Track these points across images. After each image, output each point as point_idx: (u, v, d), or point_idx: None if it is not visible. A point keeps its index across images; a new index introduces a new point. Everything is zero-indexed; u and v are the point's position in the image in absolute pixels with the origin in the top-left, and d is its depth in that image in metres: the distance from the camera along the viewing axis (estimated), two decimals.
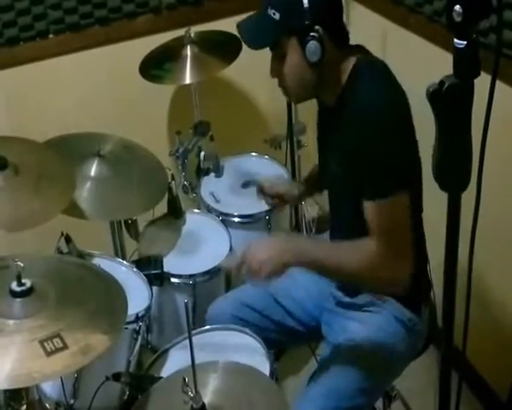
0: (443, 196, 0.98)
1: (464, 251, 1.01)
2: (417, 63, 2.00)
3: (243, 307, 1.67)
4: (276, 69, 1.39)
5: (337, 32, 1.36)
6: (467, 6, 0.76)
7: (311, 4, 1.29)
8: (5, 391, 1.31)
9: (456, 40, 0.80)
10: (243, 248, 1.42)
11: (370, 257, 1.34)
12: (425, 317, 1.56)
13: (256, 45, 1.36)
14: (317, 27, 1.30)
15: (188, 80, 2.09)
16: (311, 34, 1.30)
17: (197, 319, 1.86)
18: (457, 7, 0.77)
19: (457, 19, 0.78)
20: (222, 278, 1.98)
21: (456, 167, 0.93)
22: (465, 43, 0.80)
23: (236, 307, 1.68)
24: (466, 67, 0.82)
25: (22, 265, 1.22)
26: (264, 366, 1.52)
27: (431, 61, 1.82)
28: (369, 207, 1.33)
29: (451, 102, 0.85)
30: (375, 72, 1.38)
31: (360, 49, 1.43)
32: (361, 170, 1.33)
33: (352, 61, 1.38)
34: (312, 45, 1.31)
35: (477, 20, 0.78)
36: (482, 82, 0.90)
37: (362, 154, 1.32)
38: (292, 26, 1.32)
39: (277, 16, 1.31)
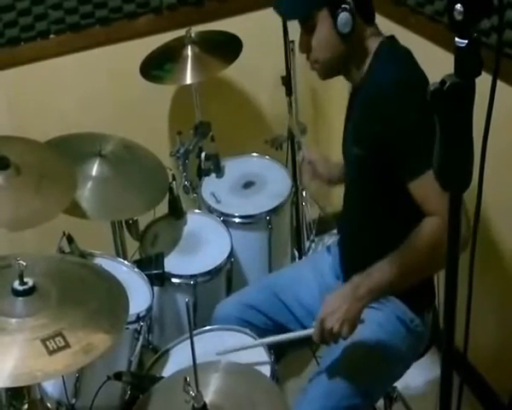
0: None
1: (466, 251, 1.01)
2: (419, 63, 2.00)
3: (248, 309, 1.67)
4: (306, 43, 1.41)
5: (365, 7, 1.38)
6: (468, 5, 0.77)
7: None
8: (7, 390, 1.32)
9: (457, 39, 0.80)
10: (316, 320, 1.38)
11: (438, 232, 1.26)
12: (428, 321, 1.56)
13: (290, 16, 1.39)
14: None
15: (188, 80, 2.09)
16: (343, 6, 1.32)
17: (198, 319, 1.86)
18: (458, 5, 0.77)
19: (458, 17, 0.78)
20: (223, 278, 1.99)
21: (457, 167, 0.93)
22: (466, 42, 0.80)
23: (241, 309, 1.68)
24: (467, 66, 0.82)
25: (24, 264, 1.22)
26: (265, 367, 1.53)
27: (432, 62, 1.81)
28: (418, 184, 1.29)
29: (453, 101, 0.84)
30: (398, 54, 1.40)
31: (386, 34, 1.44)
32: (392, 151, 1.31)
33: (376, 42, 1.40)
34: (344, 16, 1.33)
35: (478, 18, 0.78)
36: (483, 82, 0.90)
37: (390, 135, 1.31)
38: None
39: None
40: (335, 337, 1.35)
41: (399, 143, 1.31)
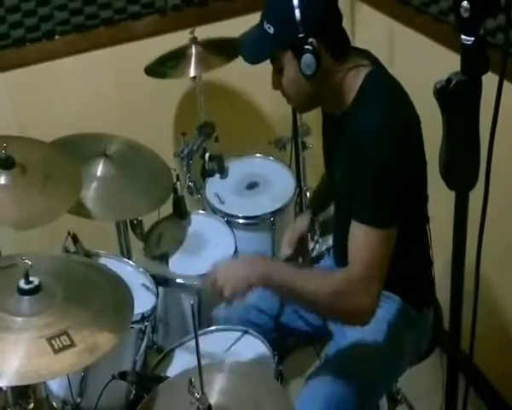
0: (450, 195, 0.98)
1: (471, 253, 1.00)
2: (424, 63, 2.00)
3: (251, 309, 1.67)
4: (277, 82, 1.39)
5: (334, 44, 1.34)
6: (474, 2, 0.77)
7: (303, 17, 1.27)
8: (13, 389, 1.32)
9: (463, 36, 0.80)
10: (213, 267, 1.43)
11: (346, 285, 1.31)
12: (429, 317, 1.56)
13: (252, 60, 1.36)
14: (310, 40, 1.28)
15: (192, 74, 2.09)
16: (306, 47, 1.29)
17: (202, 319, 1.86)
18: (465, 3, 0.77)
19: (465, 15, 0.78)
20: None
21: (463, 166, 0.93)
22: (473, 39, 0.80)
23: (244, 309, 1.68)
24: (473, 64, 0.82)
25: (30, 263, 1.22)
26: (270, 367, 1.52)
27: (437, 62, 1.82)
28: (356, 229, 1.32)
29: (459, 99, 0.84)
30: (384, 94, 1.36)
31: (368, 56, 1.41)
32: (352, 188, 1.34)
33: (359, 76, 1.36)
34: (307, 58, 1.29)
35: (484, 16, 0.78)
36: (490, 82, 0.90)
37: (355, 176, 1.32)
38: (286, 39, 1.31)
39: (272, 30, 1.31)
40: (217, 291, 1.38)
41: (358, 186, 1.32)
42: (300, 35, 1.29)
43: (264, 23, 1.32)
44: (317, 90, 1.36)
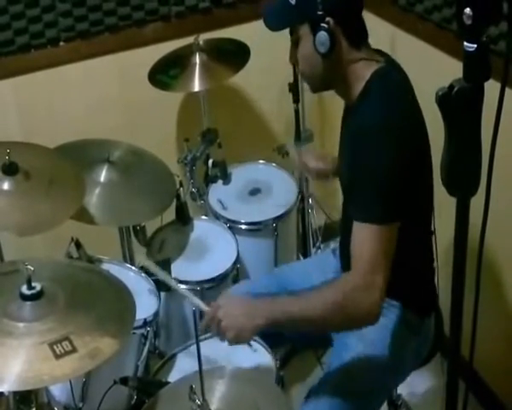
0: (451, 201, 0.98)
1: (472, 257, 1.00)
2: (426, 71, 1.99)
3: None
4: (294, 54, 1.42)
5: (351, 29, 1.36)
6: (477, 9, 0.77)
7: None
8: (15, 394, 1.32)
9: (466, 43, 0.80)
10: (215, 303, 1.41)
11: (349, 293, 1.30)
12: (431, 325, 1.56)
13: (272, 28, 1.39)
14: (328, 19, 1.31)
15: (196, 88, 2.10)
16: (322, 25, 1.32)
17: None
18: (467, 10, 0.77)
19: (467, 22, 0.78)
20: (229, 284, 1.98)
21: (465, 172, 0.93)
22: (475, 46, 0.80)
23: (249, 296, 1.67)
24: (476, 71, 0.82)
25: (32, 268, 1.22)
26: (271, 373, 1.52)
27: (440, 69, 1.82)
28: (355, 227, 1.32)
29: (461, 105, 0.85)
30: (389, 91, 1.36)
31: (383, 55, 1.43)
32: (351, 185, 1.34)
33: (369, 69, 1.37)
34: (322, 35, 1.32)
35: (487, 23, 0.79)
36: (492, 89, 0.90)
37: (354, 172, 1.33)
38: (305, 12, 1.34)
39: (293, 1, 1.34)
40: (218, 332, 1.36)
41: (357, 183, 1.33)
42: (319, 12, 1.31)
43: None
44: (328, 72, 1.38)
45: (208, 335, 1.64)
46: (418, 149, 1.36)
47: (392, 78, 1.40)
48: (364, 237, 1.30)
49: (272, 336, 1.57)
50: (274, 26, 1.39)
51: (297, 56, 1.41)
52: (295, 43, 1.40)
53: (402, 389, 1.70)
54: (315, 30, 1.33)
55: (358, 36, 1.39)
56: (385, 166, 1.29)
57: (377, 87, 1.36)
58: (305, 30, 1.36)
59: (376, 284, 1.28)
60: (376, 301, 1.29)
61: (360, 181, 1.32)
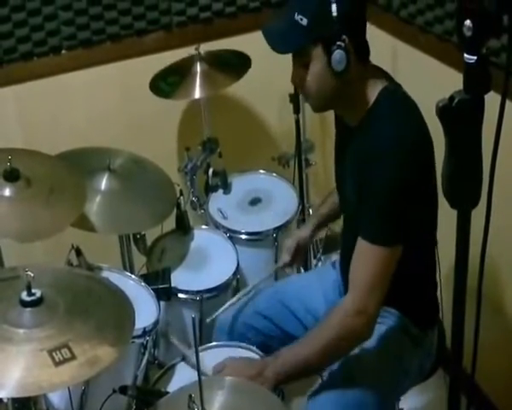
0: (452, 213, 0.98)
1: (474, 269, 1.00)
2: (427, 82, 2.00)
3: (255, 315, 1.67)
4: (298, 76, 1.37)
5: (361, 45, 1.35)
6: (477, 21, 0.77)
7: (339, 12, 1.27)
8: (13, 401, 1.31)
9: (466, 55, 0.81)
10: (219, 364, 1.44)
11: (346, 321, 1.36)
12: (433, 339, 1.55)
13: (283, 50, 1.34)
14: (344, 37, 1.28)
15: (197, 95, 2.10)
16: (338, 43, 1.28)
17: (204, 334, 1.86)
18: (468, 22, 0.78)
19: (468, 34, 0.78)
20: (229, 294, 1.98)
21: (466, 184, 0.93)
22: (475, 58, 0.80)
23: (248, 314, 1.67)
24: (476, 83, 0.82)
25: (32, 275, 1.22)
26: None
27: (441, 81, 1.82)
28: (360, 245, 1.33)
29: (461, 117, 0.85)
30: (399, 110, 1.36)
31: (384, 73, 1.42)
32: (364, 208, 1.34)
33: (375, 88, 1.36)
34: (338, 54, 1.29)
35: (487, 35, 0.79)
36: (492, 101, 0.90)
37: (366, 193, 1.32)
38: (319, 33, 1.30)
39: (305, 22, 1.28)
40: None
41: (366, 202, 1.33)
42: (335, 31, 1.28)
43: (296, 14, 1.29)
44: (337, 91, 1.36)
45: (207, 345, 1.64)
46: (429, 165, 1.35)
47: (399, 96, 1.39)
48: (368, 257, 1.32)
49: (272, 348, 1.57)
50: (282, 48, 1.34)
51: (303, 78, 1.36)
52: (304, 65, 1.35)
53: (404, 404, 1.69)
54: (330, 49, 1.29)
55: (366, 52, 1.37)
56: (401, 188, 1.28)
57: (388, 106, 1.35)
58: (317, 51, 1.31)
59: (368, 311, 1.34)
60: (367, 324, 1.35)
61: (373, 201, 1.31)
